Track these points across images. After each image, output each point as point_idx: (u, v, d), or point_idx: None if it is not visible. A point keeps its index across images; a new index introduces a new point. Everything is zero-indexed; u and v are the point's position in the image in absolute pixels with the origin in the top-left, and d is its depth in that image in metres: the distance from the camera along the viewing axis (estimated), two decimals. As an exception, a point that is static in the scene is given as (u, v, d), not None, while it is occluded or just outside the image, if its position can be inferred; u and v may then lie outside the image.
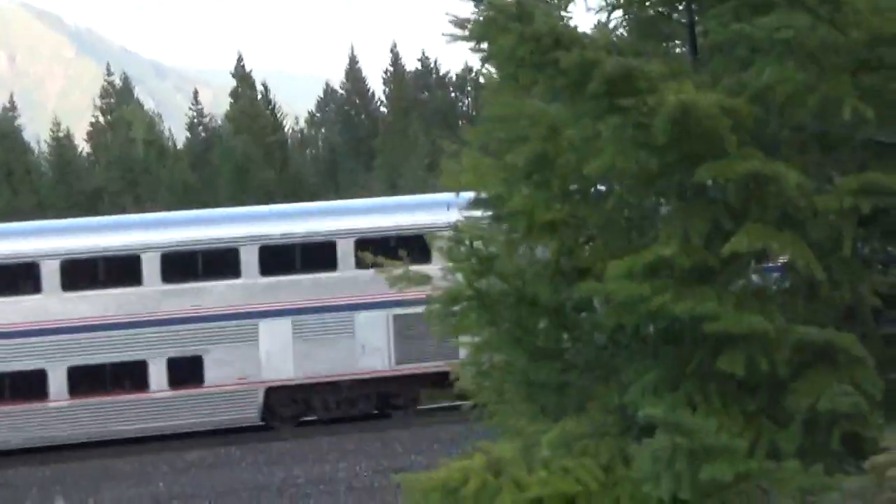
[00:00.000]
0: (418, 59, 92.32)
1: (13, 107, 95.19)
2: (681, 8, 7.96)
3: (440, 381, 29.86)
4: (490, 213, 7.20)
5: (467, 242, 7.16)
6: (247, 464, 26.72)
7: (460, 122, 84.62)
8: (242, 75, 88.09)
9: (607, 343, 7.11)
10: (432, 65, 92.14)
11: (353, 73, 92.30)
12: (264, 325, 28.86)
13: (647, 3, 7.94)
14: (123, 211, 59.23)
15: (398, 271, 7.71)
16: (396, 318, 28.77)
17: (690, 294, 6.31)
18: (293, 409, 29.47)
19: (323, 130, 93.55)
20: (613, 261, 6.42)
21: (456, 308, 7.48)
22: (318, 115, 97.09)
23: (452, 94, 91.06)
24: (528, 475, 6.39)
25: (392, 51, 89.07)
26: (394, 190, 64.78)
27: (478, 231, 7.23)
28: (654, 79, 6.09)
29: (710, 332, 6.30)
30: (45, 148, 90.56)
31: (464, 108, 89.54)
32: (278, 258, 29.24)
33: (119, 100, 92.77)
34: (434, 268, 30.67)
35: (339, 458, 26.82)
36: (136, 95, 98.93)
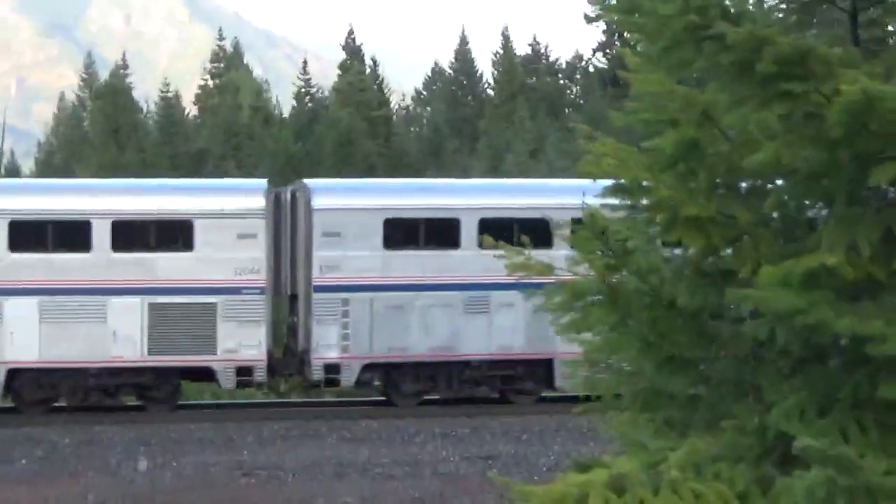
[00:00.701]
0: (529, 45, 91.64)
1: (125, 65, 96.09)
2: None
3: (198, 374, 28.96)
4: (629, 202, 6.51)
5: (602, 233, 6.46)
6: (333, 440, 26.31)
7: (567, 110, 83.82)
8: (352, 49, 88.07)
9: (748, 356, 6.40)
10: (542, 50, 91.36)
11: (463, 54, 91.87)
12: (9, 304, 27.47)
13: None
14: (226, 174, 59.25)
15: (519, 257, 7.05)
16: (153, 306, 27.71)
17: (853, 310, 5.58)
18: (39, 393, 28.10)
19: (428, 109, 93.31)
20: (766, 266, 5.71)
21: (579, 304, 6.82)
22: (424, 93, 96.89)
23: (561, 82, 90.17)
24: (653, 497, 5.72)
25: (503, 34, 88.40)
26: (495, 173, 64.22)
27: (613, 222, 6.54)
28: (834, 64, 5.36)
29: (873, 354, 5.56)
30: (153, 108, 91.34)
31: (572, 96, 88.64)
32: (28, 235, 27.78)
33: (229, 65, 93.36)
34: (196, 255, 29.68)
35: (426, 441, 26.30)
36: (245, 62, 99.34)
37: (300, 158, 70.84)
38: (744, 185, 6.73)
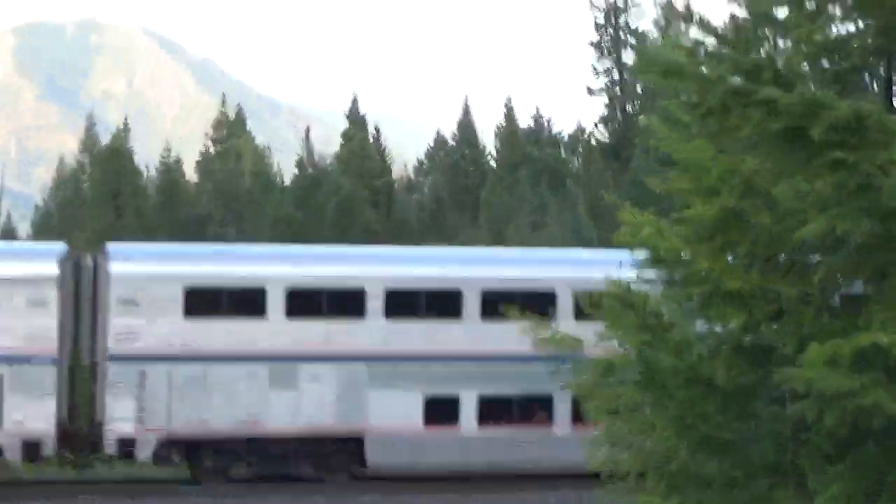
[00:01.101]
0: (531, 116, 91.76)
1: (126, 128, 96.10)
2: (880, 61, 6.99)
3: None
4: (665, 275, 6.19)
5: (639, 308, 6.12)
6: (331, 515, 25.81)
7: (568, 182, 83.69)
8: (355, 117, 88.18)
9: (788, 439, 6.06)
10: (545, 123, 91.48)
11: (465, 124, 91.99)
12: None
13: (847, 55, 6.95)
14: (226, 240, 58.96)
15: (546, 333, 6.73)
16: None
17: (907, 392, 5.26)
18: None
19: (430, 178, 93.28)
20: (813, 344, 5.38)
21: (611, 380, 6.49)
22: (426, 162, 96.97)
23: (563, 154, 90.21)
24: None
25: (506, 105, 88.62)
26: (497, 243, 64.03)
27: (650, 296, 6.22)
28: (893, 131, 5.07)
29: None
30: (153, 172, 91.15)
31: (574, 169, 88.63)
32: None
33: (231, 131, 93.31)
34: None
35: (426, 513, 25.89)
36: (248, 129, 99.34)
37: (301, 225, 70.62)
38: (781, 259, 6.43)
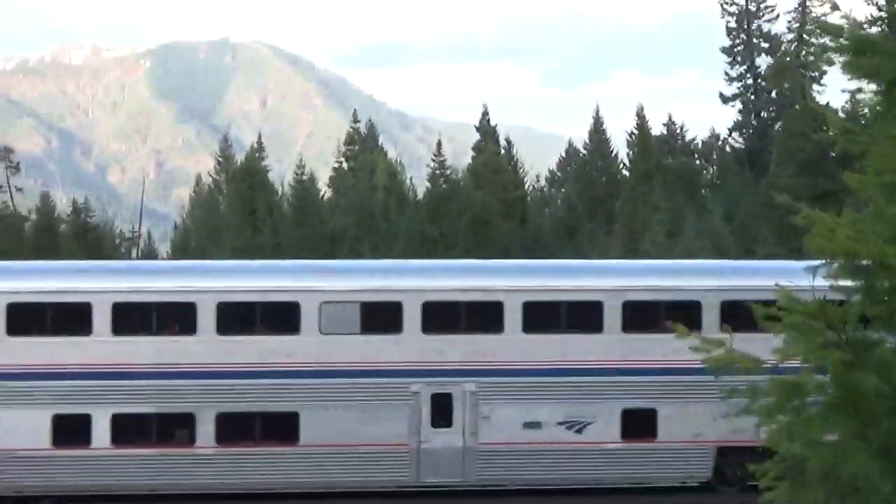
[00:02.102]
0: (664, 124, 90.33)
1: (261, 147, 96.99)
2: None
3: None
4: (863, 283, 5.37)
5: (835, 322, 5.31)
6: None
7: (704, 190, 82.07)
8: (487, 130, 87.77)
9: None
10: (678, 130, 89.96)
11: (597, 134, 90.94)
12: None
13: None
14: (360, 256, 58.81)
15: (719, 351, 5.97)
16: None
17: None
18: None
19: (563, 189, 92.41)
20: None
21: (796, 402, 5.70)
22: (558, 174, 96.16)
23: (697, 162, 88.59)
24: None
25: (638, 113, 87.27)
26: (632, 254, 63.01)
27: (847, 309, 5.41)
28: None
29: None
30: (288, 190, 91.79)
31: (708, 177, 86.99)
32: None
33: (363, 147, 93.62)
34: None
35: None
36: (379, 143, 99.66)
37: (434, 240, 70.26)
38: None
